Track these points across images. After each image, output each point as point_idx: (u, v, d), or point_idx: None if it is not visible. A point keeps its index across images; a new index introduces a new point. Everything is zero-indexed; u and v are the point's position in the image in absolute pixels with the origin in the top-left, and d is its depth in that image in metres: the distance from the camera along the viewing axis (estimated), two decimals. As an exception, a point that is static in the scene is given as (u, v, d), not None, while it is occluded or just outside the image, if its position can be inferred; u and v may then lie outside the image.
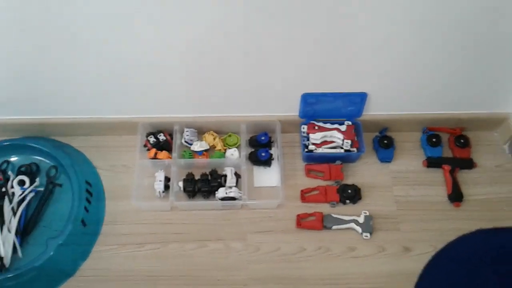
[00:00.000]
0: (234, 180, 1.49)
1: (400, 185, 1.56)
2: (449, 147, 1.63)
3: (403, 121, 1.61)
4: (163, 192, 1.50)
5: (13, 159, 1.56)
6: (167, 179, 1.51)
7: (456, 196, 1.52)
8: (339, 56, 1.32)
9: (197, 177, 1.51)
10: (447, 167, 1.56)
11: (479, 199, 1.53)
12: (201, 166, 1.56)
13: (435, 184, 1.56)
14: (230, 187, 1.48)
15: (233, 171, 1.51)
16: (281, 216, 1.49)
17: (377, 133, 1.65)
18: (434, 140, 1.60)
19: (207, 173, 1.52)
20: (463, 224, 1.48)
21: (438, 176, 1.57)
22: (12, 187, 1.47)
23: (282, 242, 1.45)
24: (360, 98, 1.50)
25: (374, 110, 1.57)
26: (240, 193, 1.47)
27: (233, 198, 1.46)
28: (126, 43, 1.25)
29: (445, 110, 1.58)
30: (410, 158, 1.62)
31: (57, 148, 1.53)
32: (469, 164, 1.58)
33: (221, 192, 1.46)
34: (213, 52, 1.30)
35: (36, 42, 1.24)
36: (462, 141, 1.60)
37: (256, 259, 1.43)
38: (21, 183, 1.48)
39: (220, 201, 1.47)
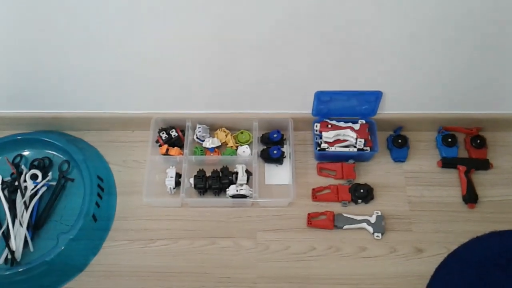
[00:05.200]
0: (245, 177, 1.48)
1: (413, 185, 1.54)
2: (465, 147, 1.60)
3: (418, 120, 1.59)
4: (174, 188, 1.50)
5: (26, 153, 1.58)
6: (178, 176, 1.51)
7: (470, 197, 1.49)
8: (354, 55, 1.30)
9: (208, 174, 1.51)
10: (462, 168, 1.53)
11: (494, 201, 1.50)
12: (212, 163, 1.56)
13: (450, 185, 1.54)
14: (241, 185, 1.47)
15: (244, 169, 1.50)
16: (291, 214, 1.49)
17: (391, 132, 1.62)
18: (449, 140, 1.57)
19: (218, 170, 1.52)
20: (477, 226, 1.46)
21: (453, 177, 1.55)
22: (24, 181, 1.48)
23: (292, 241, 1.45)
24: (375, 97, 1.48)
25: (389, 109, 1.55)
26: (251, 190, 1.47)
27: (243, 196, 1.46)
28: (139, 38, 1.25)
29: (461, 110, 1.55)
30: (424, 158, 1.59)
31: (69, 143, 1.54)
32: (485, 165, 1.55)
33: (231, 190, 1.46)
34: (226, 48, 1.29)
35: (48, 37, 1.24)
36: (478, 141, 1.57)
37: (265, 257, 1.42)
38: (34, 177, 1.49)
39: (230, 199, 1.47)
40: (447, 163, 1.56)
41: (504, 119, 1.58)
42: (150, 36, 1.24)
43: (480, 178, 1.54)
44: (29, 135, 1.57)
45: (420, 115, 1.57)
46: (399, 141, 1.57)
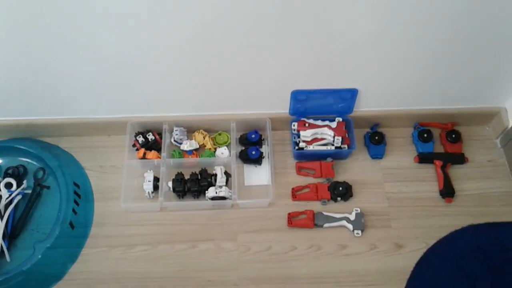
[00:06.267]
0: (224, 179, 1.48)
1: (391, 182, 1.55)
2: (441, 142, 1.62)
3: (394, 117, 1.60)
4: (153, 192, 1.49)
5: (-1, 161, 1.55)
6: (156, 179, 1.49)
7: (447, 191, 1.51)
8: (329, 53, 1.31)
9: (186, 177, 1.50)
10: (438, 163, 1.55)
11: (471, 194, 1.52)
12: (190, 165, 1.55)
13: (427, 180, 1.55)
14: (220, 187, 1.47)
15: (223, 170, 1.49)
16: (272, 215, 1.49)
17: (368, 130, 1.63)
18: (425, 135, 1.58)
19: (197, 172, 1.51)
20: (455, 220, 1.48)
21: (429, 171, 1.56)
22: (-2, 190, 1.46)
23: (273, 241, 1.44)
24: (350, 94, 1.48)
25: (365, 106, 1.56)
26: (230, 192, 1.46)
27: (223, 198, 1.45)
28: (114, 42, 1.23)
29: (436, 105, 1.57)
30: (401, 154, 1.60)
31: (44, 150, 1.51)
32: (460, 159, 1.57)
33: (211, 192, 1.45)
34: (202, 50, 1.28)
35: (22, 42, 1.22)
36: (453, 136, 1.59)
37: (247, 259, 1.42)
38: (8, 185, 1.46)
39: (210, 201, 1.46)
40: (423, 158, 1.57)
41: (477, 114, 1.60)
42: (124, 39, 1.22)
43: (456, 172, 1.56)
44: (2, 143, 1.55)
45: (395, 112, 1.58)
46: (376, 138, 1.58)
